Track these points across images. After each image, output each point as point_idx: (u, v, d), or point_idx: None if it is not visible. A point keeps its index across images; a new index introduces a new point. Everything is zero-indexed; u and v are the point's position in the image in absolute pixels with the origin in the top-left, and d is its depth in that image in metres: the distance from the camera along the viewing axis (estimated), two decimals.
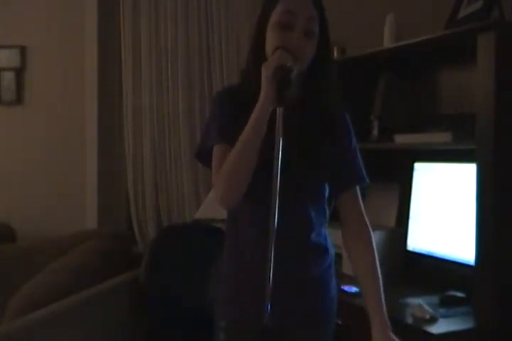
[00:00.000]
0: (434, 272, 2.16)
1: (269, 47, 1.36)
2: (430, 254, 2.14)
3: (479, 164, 1.74)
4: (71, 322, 1.74)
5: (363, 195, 1.54)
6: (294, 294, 1.44)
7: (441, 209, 2.11)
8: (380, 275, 1.44)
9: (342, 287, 2.02)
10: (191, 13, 3.08)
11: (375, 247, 1.48)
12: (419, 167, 2.26)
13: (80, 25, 3.37)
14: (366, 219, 1.50)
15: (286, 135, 1.23)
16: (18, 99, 3.44)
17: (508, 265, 1.73)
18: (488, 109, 1.70)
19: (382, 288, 1.42)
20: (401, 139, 2.18)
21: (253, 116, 1.30)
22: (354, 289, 1.99)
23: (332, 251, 1.54)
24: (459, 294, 1.84)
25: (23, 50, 3.42)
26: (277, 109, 1.23)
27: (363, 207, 1.51)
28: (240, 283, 1.47)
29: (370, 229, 1.50)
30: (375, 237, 2.30)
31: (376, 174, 2.51)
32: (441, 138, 1.98)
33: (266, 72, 1.26)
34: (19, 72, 3.43)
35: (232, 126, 1.36)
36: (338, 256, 2.32)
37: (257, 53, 1.40)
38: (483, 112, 1.72)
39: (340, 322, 1.97)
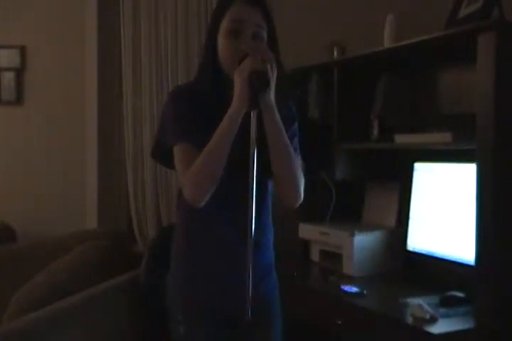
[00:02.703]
0: (434, 272, 2.16)
1: (221, 53, 1.45)
2: (430, 254, 2.14)
3: (479, 164, 1.74)
4: (71, 322, 1.74)
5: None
6: (258, 281, 1.48)
7: (441, 209, 2.11)
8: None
9: (342, 287, 2.03)
10: (191, 14, 3.08)
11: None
12: (419, 167, 2.27)
13: (80, 25, 3.37)
14: None
15: (243, 137, 1.31)
16: (18, 99, 3.44)
17: (508, 265, 1.73)
18: (488, 109, 1.71)
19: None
20: (401, 139, 2.18)
21: (226, 119, 1.36)
22: (354, 289, 1.99)
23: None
24: (459, 294, 1.84)
25: (23, 50, 3.41)
26: (251, 112, 1.29)
27: None
28: (203, 276, 1.53)
29: None
30: (375, 237, 2.32)
31: (376, 174, 2.53)
32: (441, 138, 1.98)
33: (240, 77, 1.31)
34: (19, 72, 3.43)
35: (192, 125, 1.44)
36: (338, 256, 2.33)
37: (210, 59, 1.47)
38: (483, 112, 1.72)
39: (340, 322, 1.98)
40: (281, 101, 1.48)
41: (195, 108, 1.45)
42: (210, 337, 1.53)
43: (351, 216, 2.62)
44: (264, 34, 1.44)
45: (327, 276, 2.24)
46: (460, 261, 1.96)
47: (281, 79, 1.47)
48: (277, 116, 1.39)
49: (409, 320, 1.72)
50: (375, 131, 2.35)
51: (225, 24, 1.44)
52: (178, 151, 1.44)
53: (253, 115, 1.28)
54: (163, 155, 1.51)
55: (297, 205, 1.51)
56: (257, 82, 1.28)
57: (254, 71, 1.30)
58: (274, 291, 1.62)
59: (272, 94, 1.35)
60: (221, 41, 1.45)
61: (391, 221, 2.43)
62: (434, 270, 2.16)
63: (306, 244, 2.57)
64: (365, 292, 1.98)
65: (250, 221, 1.28)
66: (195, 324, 1.53)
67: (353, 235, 2.24)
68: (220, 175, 1.39)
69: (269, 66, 1.31)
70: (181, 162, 1.43)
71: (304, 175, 1.55)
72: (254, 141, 1.27)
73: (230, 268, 1.46)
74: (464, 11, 1.97)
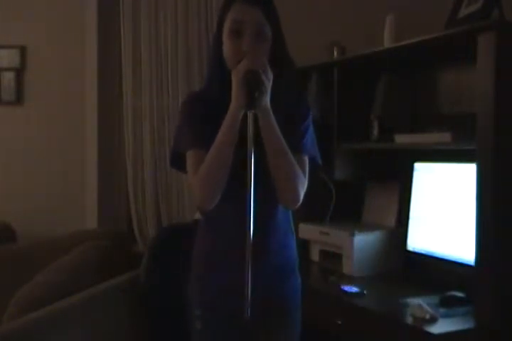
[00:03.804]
0: (434, 272, 2.16)
1: (225, 53, 1.46)
2: (430, 254, 2.14)
3: (479, 164, 1.74)
4: (71, 322, 1.74)
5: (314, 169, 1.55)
6: (271, 282, 1.51)
7: (441, 209, 2.11)
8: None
9: (342, 287, 2.03)
10: (191, 14, 3.08)
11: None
12: (419, 167, 2.27)
13: (80, 25, 3.37)
14: None
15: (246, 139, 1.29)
16: (18, 99, 3.44)
17: (508, 265, 1.73)
18: (488, 109, 1.71)
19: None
20: (401, 139, 2.18)
21: (226, 121, 1.37)
22: (354, 289, 1.99)
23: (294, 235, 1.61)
24: (459, 294, 1.84)
25: (23, 50, 3.41)
26: (248, 112, 1.30)
27: None
28: (218, 274, 1.53)
29: None
30: (375, 237, 2.32)
31: (376, 174, 2.52)
32: (441, 138, 1.98)
33: (236, 77, 1.32)
34: (19, 72, 3.43)
35: (203, 131, 1.44)
36: (338, 256, 2.34)
37: (217, 60, 1.48)
38: (483, 112, 1.72)
39: (340, 322, 1.98)
40: (290, 98, 1.49)
41: (205, 113, 1.46)
42: (218, 337, 1.54)
43: (351, 216, 2.62)
44: (268, 32, 1.43)
45: (327, 276, 2.25)
46: (460, 261, 1.96)
47: (291, 75, 1.48)
48: (273, 121, 1.38)
49: (409, 320, 1.72)
50: (375, 131, 2.35)
51: (227, 24, 1.45)
52: (189, 157, 1.47)
53: (249, 115, 1.29)
54: (181, 163, 1.52)
55: (294, 208, 1.50)
56: (253, 82, 1.29)
57: (249, 71, 1.30)
58: (295, 295, 1.59)
59: (267, 98, 1.34)
60: (225, 42, 1.46)
61: (391, 221, 2.43)
62: (434, 270, 2.16)
63: (306, 244, 2.57)
64: (365, 292, 1.98)
65: (248, 220, 1.27)
66: (205, 322, 1.54)
67: (353, 235, 2.24)
68: (225, 178, 1.40)
69: (261, 71, 1.30)
70: (191, 167, 1.45)
71: (312, 176, 1.54)
72: (251, 140, 1.28)
73: (234, 268, 1.45)
74: (463, 11, 1.97)
